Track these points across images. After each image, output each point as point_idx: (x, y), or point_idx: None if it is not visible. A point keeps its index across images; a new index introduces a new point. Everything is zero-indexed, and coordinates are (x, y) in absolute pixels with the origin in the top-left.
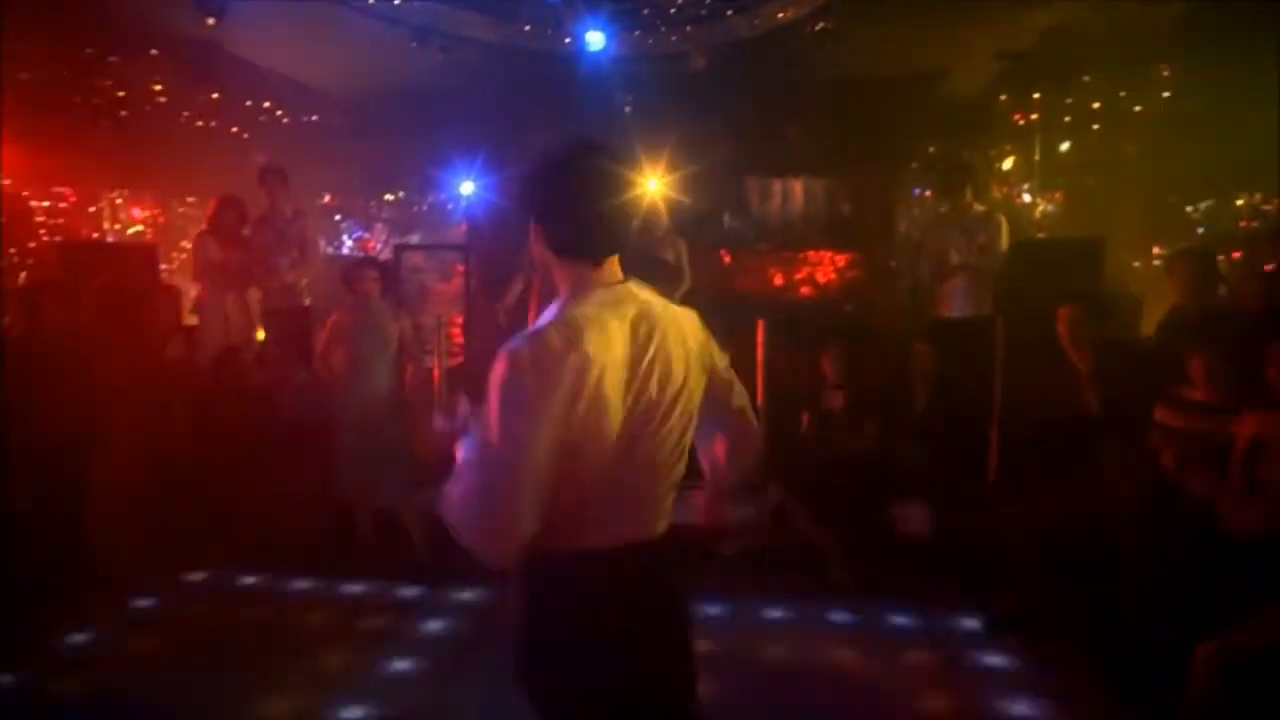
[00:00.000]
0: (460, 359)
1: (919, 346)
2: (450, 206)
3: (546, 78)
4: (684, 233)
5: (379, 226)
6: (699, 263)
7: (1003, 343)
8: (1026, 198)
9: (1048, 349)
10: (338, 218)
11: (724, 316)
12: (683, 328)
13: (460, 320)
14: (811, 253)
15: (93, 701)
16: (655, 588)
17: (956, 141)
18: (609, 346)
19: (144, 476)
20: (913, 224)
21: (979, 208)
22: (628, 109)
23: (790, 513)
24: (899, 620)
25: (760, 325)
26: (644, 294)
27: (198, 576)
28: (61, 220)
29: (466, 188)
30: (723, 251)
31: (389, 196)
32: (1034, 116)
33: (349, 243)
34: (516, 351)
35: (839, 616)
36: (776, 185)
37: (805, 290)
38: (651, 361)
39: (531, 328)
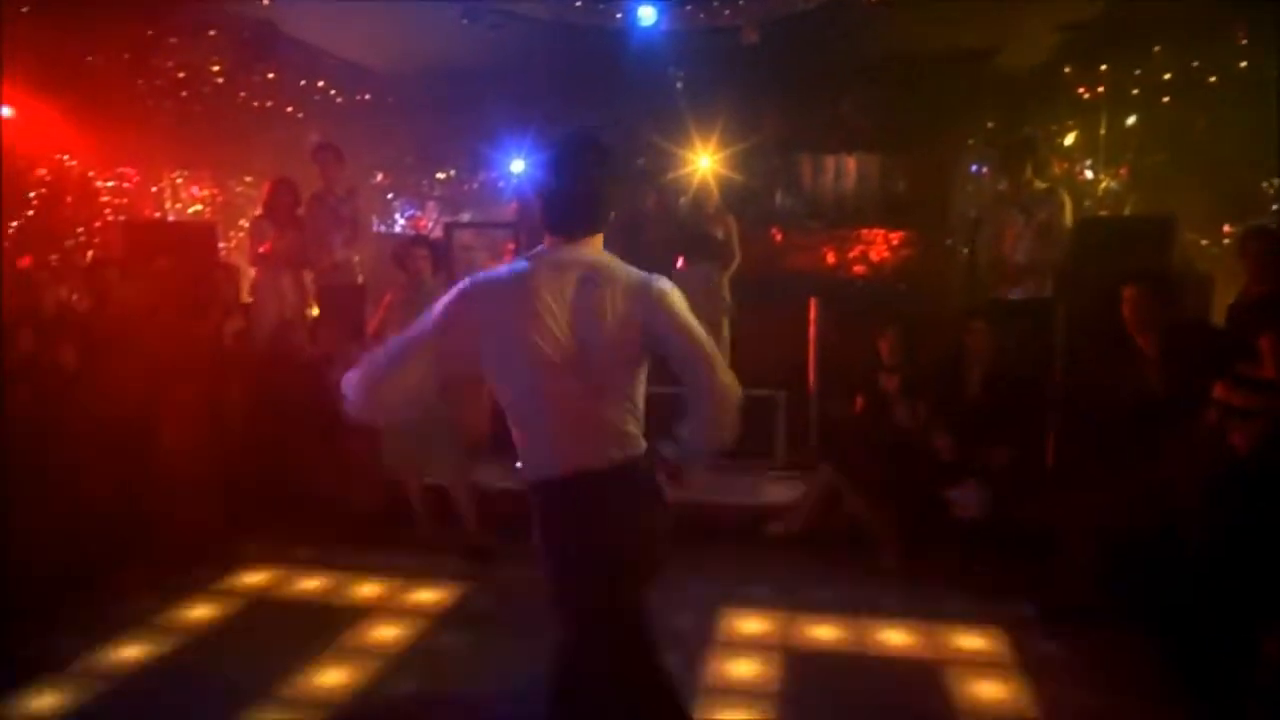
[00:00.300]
0: None
1: (976, 327)
2: (501, 184)
3: (597, 54)
4: (734, 210)
5: (430, 205)
6: (749, 241)
7: (1064, 324)
8: (1089, 174)
9: (1111, 331)
10: (390, 196)
11: (775, 295)
12: (636, 292)
13: None
14: (865, 231)
15: (156, 669)
16: (604, 508)
17: (1016, 116)
18: (539, 293)
19: (203, 448)
20: (970, 201)
21: (1040, 184)
22: (679, 84)
23: (842, 494)
24: (951, 605)
25: (813, 304)
26: (597, 260)
27: (254, 547)
28: (125, 200)
29: (517, 165)
30: (774, 229)
31: (440, 175)
32: (1100, 89)
33: (401, 221)
34: (462, 284)
35: (889, 600)
36: (829, 162)
37: (858, 269)
38: (587, 310)
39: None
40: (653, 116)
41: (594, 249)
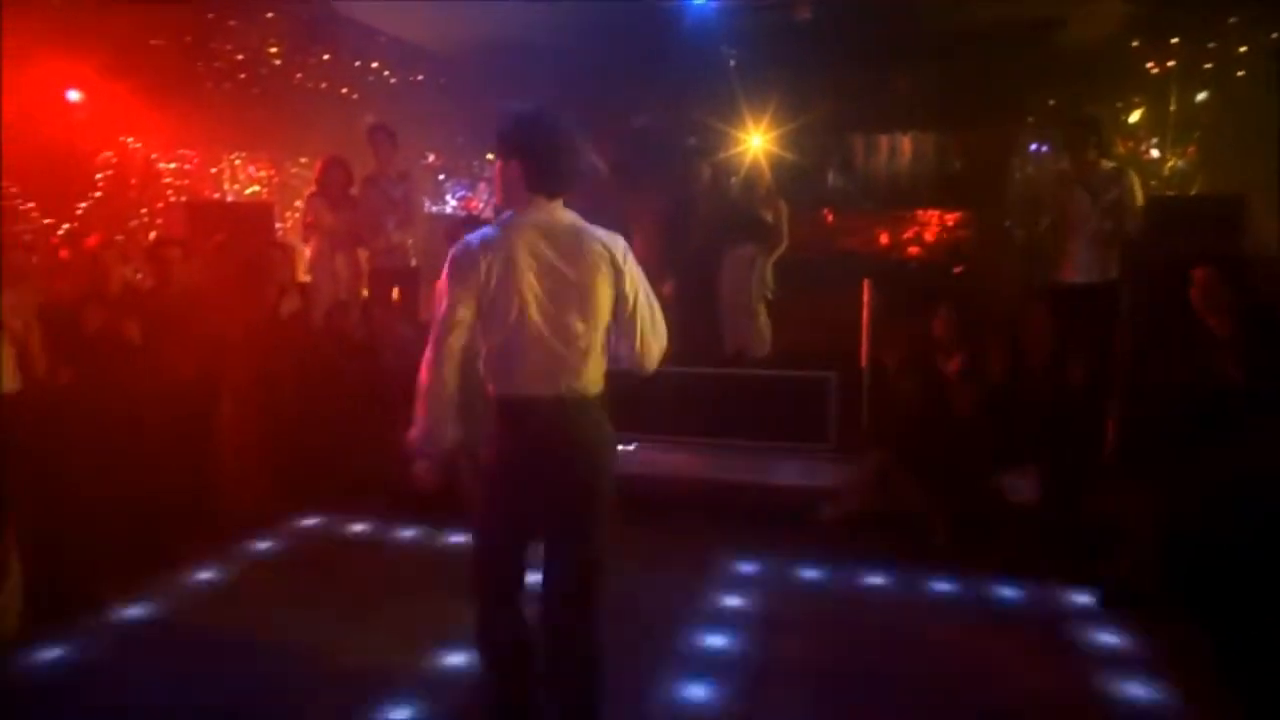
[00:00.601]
0: None
1: (1036, 311)
2: None
3: (650, 32)
4: (785, 190)
5: (482, 186)
6: (801, 221)
7: (1129, 308)
8: (1154, 153)
9: (1180, 315)
10: (441, 177)
11: (827, 276)
12: (604, 250)
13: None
14: (919, 211)
15: (214, 637)
16: (554, 428)
17: (1080, 93)
18: (520, 251)
19: (259, 422)
20: (1028, 182)
21: (1107, 164)
22: (732, 62)
23: (893, 477)
24: (1005, 592)
25: (866, 285)
26: (571, 221)
27: (310, 520)
28: (186, 181)
29: None
30: (826, 210)
31: (490, 155)
32: (1170, 64)
33: (453, 202)
34: (456, 247)
35: (941, 586)
36: (883, 141)
37: (913, 250)
38: (568, 264)
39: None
40: (704, 95)
41: (567, 210)
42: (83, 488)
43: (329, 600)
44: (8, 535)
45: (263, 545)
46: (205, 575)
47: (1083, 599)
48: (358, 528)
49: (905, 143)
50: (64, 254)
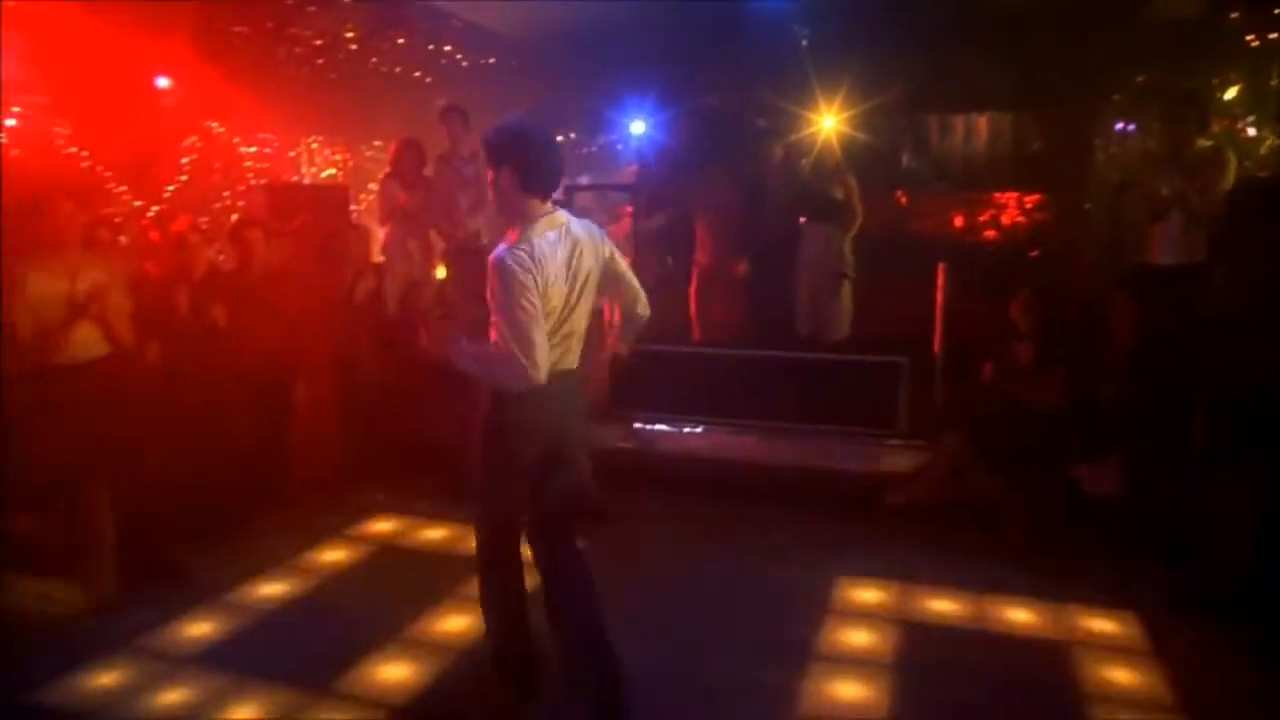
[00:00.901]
0: None
1: (1119, 295)
2: (620, 147)
3: (721, 12)
4: (857, 172)
5: None
6: (873, 203)
7: (1220, 293)
8: (1251, 130)
9: (1272, 301)
10: None
11: (899, 259)
12: (592, 239)
13: (628, 261)
14: (997, 194)
15: (290, 606)
16: (571, 391)
17: (1169, 68)
18: (554, 258)
19: (335, 401)
20: (1113, 163)
21: (1203, 143)
22: (804, 42)
23: (967, 466)
24: (1079, 586)
25: (940, 269)
26: (566, 217)
27: (382, 496)
28: (266, 165)
29: (638, 128)
30: (899, 192)
31: (559, 138)
32: (1272, 35)
33: None
34: (503, 259)
35: (1013, 578)
36: (959, 122)
37: (989, 233)
38: (575, 260)
39: (506, 244)
40: (776, 76)
41: (558, 207)
42: (167, 460)
43: (399, 575)
44: (100, 503)
45: (335, 519)
46: (278, 548)
47: (1160, 594)
48: (428, 505)
49: (981, 123)
50: (153, 236)
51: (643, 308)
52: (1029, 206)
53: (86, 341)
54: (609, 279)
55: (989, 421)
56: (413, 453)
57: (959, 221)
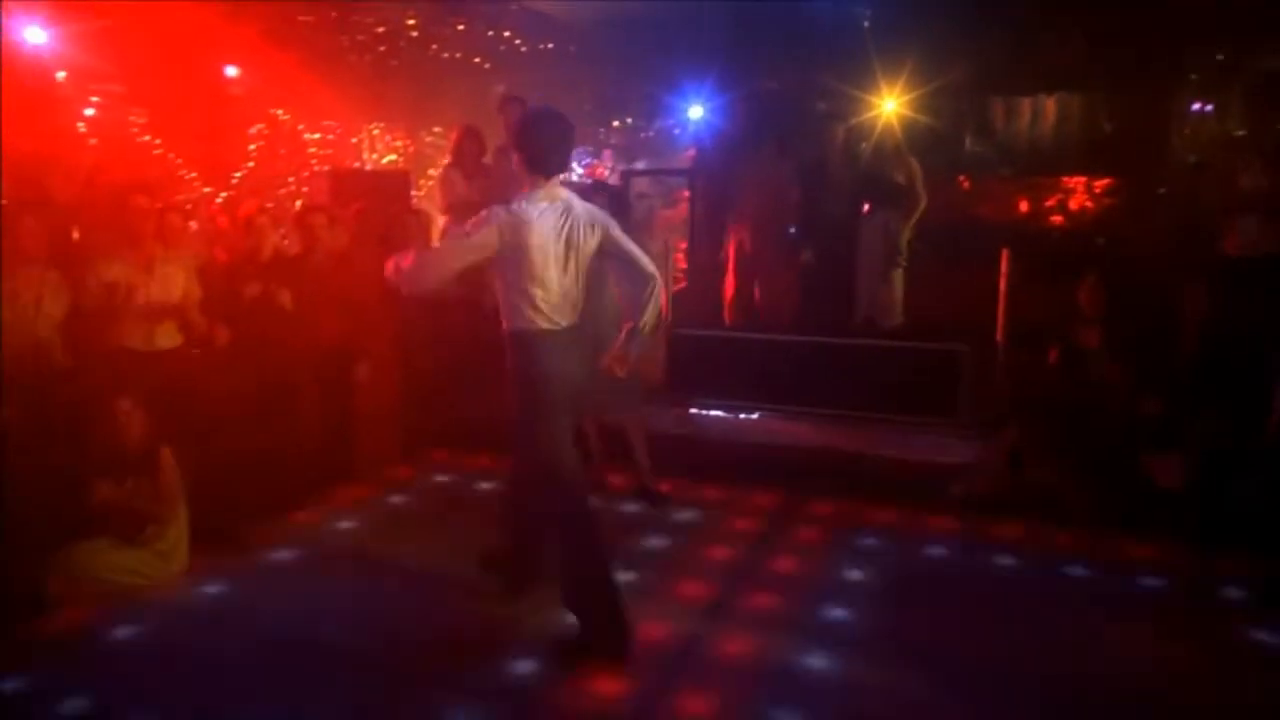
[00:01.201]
0: (684, 284)
1: (1193, 284)
2: (677, 132)
3: None
4: (920, 156)
5: (607, 153)
6: (935, 188)
7: None
8: None
9: None
10: None
11: (961, 245)
12: (590, 216)
13: (684, 246)
14: (1064, 178)
15: (348, 574)
16: (567, 350)
17: (1251, 46)
18: (543, 222)
19: (396, 382)
20: (1188, 145)
21: None
22: (865, 24)
23: (1028, 456)
24: (1148, 582)
25: (1004, 254)
26: (566, 195)
27: (441, 476)
28: (329, 151)
29: (695, 112)
30: (961, 177)
31: (616, 123)
32: None
33: (578, 170)
34: (490, 209)
35: (1077, 571)
36: (1025, 104)
37: (1055, 219)
38: (566, 232)
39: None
40: (837, 58)
41: (560, 186)
42: (236, 438)
43: (451, 540)
44: (175, 479)
45: (396, 498)
46: (342, 522)
47: (1234, 592)
48: (485, 484)
49: (1049, 105)
50: (222, 221)
51: (653, 285)
52: (1098, 191)
53: (162, 331)
54: (612, 255)
55: (1053, 411)
56: (472, 427)
57: (1024, 206)
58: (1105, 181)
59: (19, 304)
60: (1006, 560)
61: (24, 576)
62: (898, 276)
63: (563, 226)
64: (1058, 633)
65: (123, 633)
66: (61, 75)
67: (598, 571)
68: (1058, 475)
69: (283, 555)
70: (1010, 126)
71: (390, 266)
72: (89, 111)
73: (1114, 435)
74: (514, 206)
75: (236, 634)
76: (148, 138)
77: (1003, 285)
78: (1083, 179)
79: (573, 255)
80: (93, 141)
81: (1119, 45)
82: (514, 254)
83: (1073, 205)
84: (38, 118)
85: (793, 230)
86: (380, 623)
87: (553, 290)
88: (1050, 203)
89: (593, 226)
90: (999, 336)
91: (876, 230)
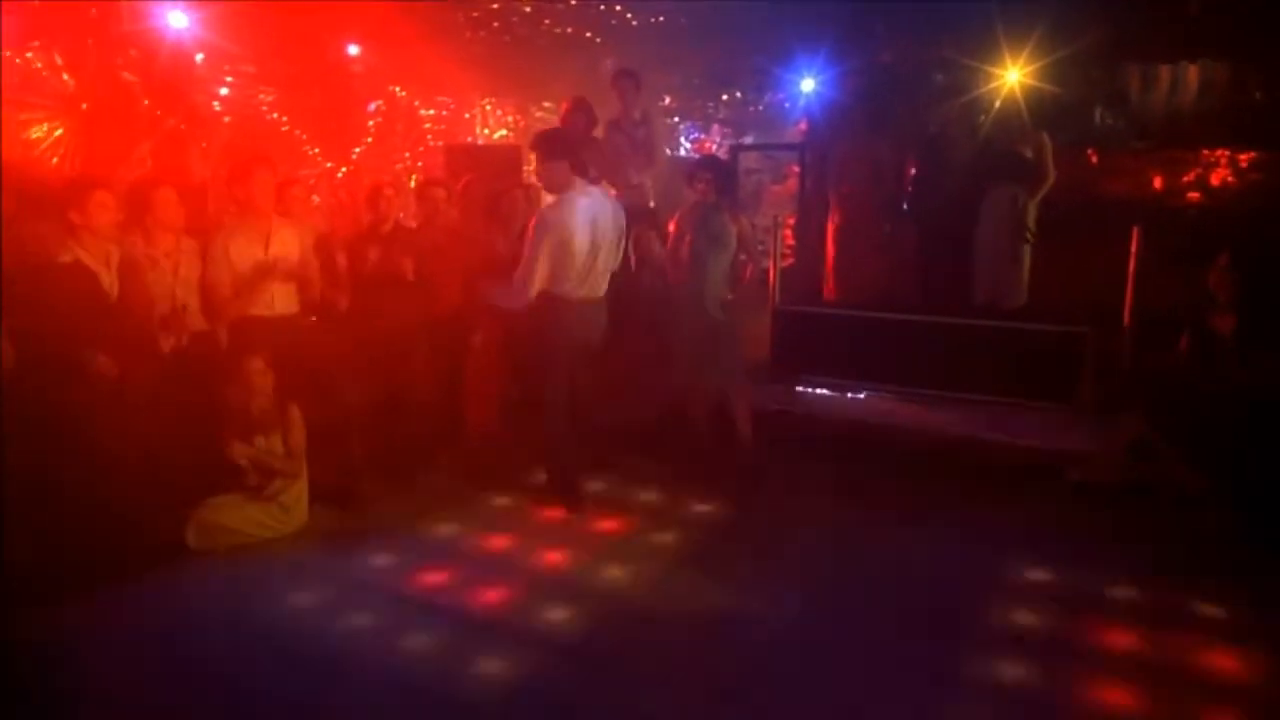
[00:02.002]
0: (792, 260)
1: None
2: (788, 105)
3: None
4: (1046, 128)
5: (715, 128)
6: (1062, 163)
7: None
8: None
9: None
10: (675, 120)
11: (1088, 222)
12: (615, 210)
13: (792, 221)
14: (1205, 151)
15: (456, 543)
16: (595, 315)
17: None
18: (576, 216)
19: (504, 351)
20: None
21: None
22: None
23: (1152, 448)
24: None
25: (1135, 233)
26: (596, 191)
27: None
28: (443, 126)
29: (807, 85)
30: (1089, 150)
31: (725, 97)
32: None
33: (686, 145)
34: (542, 214)
35: (1205, 573)
36: (1164, 72)
37: (1192, 195)
38: (594, 220)
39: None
40: (955, 28)
41: (592, 185)
42: (354, 403)
43: (560, 524)
44: (302, 438)
45: (500, 465)
46: (453, 484)
47: None
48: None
49: (1192, 72)
50: (342, 195)
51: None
52: (1243, 165)
53: (281, 297)
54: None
55: (1180, 399)
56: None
57: (1158, 182)
58: (1251, 155)
59: (158, 269)
60: (1126, 556)
61: (167, 526)
62: (1026, 255)
63: (591, 218)
64: (1177, 637)
65: (251, 581)
66: (200, 57)
67: (563, 447)
68: (1184, 469)
69: (396, 515)
70: (1146, 96)
71: (490, 296)
72: (223, 91)
73: (1248, 429)
74: (559, 208)
75: (351, 587)
76: (275, 115)
77: (1132, 266)
78: (1225, 152)
79: (599, 241)
80: (226, 119)
81: (1273, 6)
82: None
83: (1214, 180)
84: (179, 98)
85: (905, 207)
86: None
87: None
88: (1188, 178)
89: (616, 219)
90: (1126, 320)
91: (1001, 207)
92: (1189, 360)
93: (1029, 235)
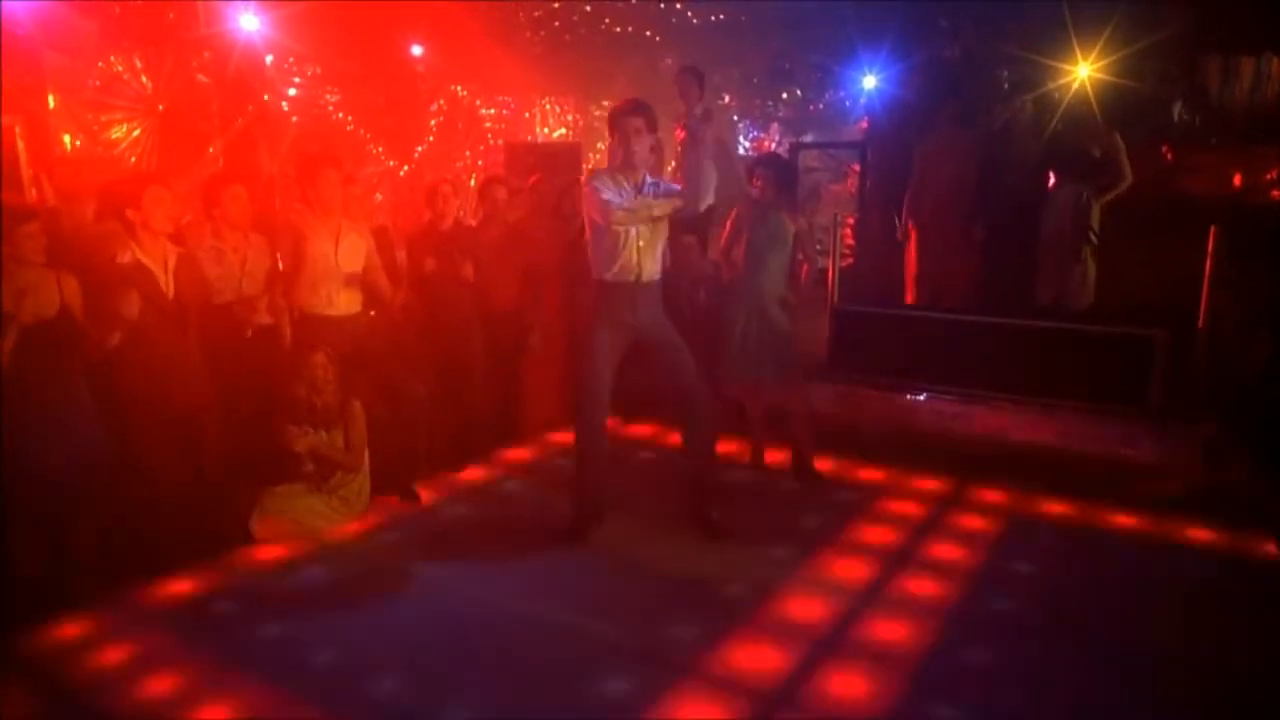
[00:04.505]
0: (852, 260)
1: None
2: (847, 104)
3: None
4: (1119, 124)
5: (774, 126)
6: (1135, 160)
7: None
8: None
9: None
10: (734, 118)
11: (1162, 221)
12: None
13: (852, 221)
14: None
15: (515, 527)
16: (638, 296)
17: None
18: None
19: (563, 344)
20: None
21: None
22: None
23: (1228, 454)
24: None
25: (1212, 232)
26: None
27: None
28: (502, 125)
29: (868, 82)
30: (1164, 146)
31: (785, 95)
32: None
33: (745, 143)
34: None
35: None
36: (1246, 65)
37: (1275, 193)
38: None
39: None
40: (1024, 20)
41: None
42: (413, 399)
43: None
44: (363, 432)
45: (559, 461)
46: (508, 482)
47: None
48: (646, 453)
49: (1276, 65)
50: (406, 193)
51: None
52: None
53: (346, 295)
54: None
55: (1259, 404)
56: (630, 401)
57: (1237, 179)
58: None
59: (227, 263)
60: (1192, 566)
61: (234, 514)
62: (1089, 255)
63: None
64: (1251, 641)
65: (311, 571)
66: (269, 59)
67: (594, 456)
68: (1261, 477)
69: (455, 510)
70: (1226, 90)
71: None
72: (291, 91)
73: None
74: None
75: (409, 581)
76: (340, 115)
77: (1209, 267)
78: None
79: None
80: (294, 119)
81: None
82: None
83: None
84: (249, 98)
85: (976, 204)
86: (536, 579)
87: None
88: (1271, 175)
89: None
90: (1201, 323)
91: (1065, 206)
92: (1269, 363)
93: (1092, 235)
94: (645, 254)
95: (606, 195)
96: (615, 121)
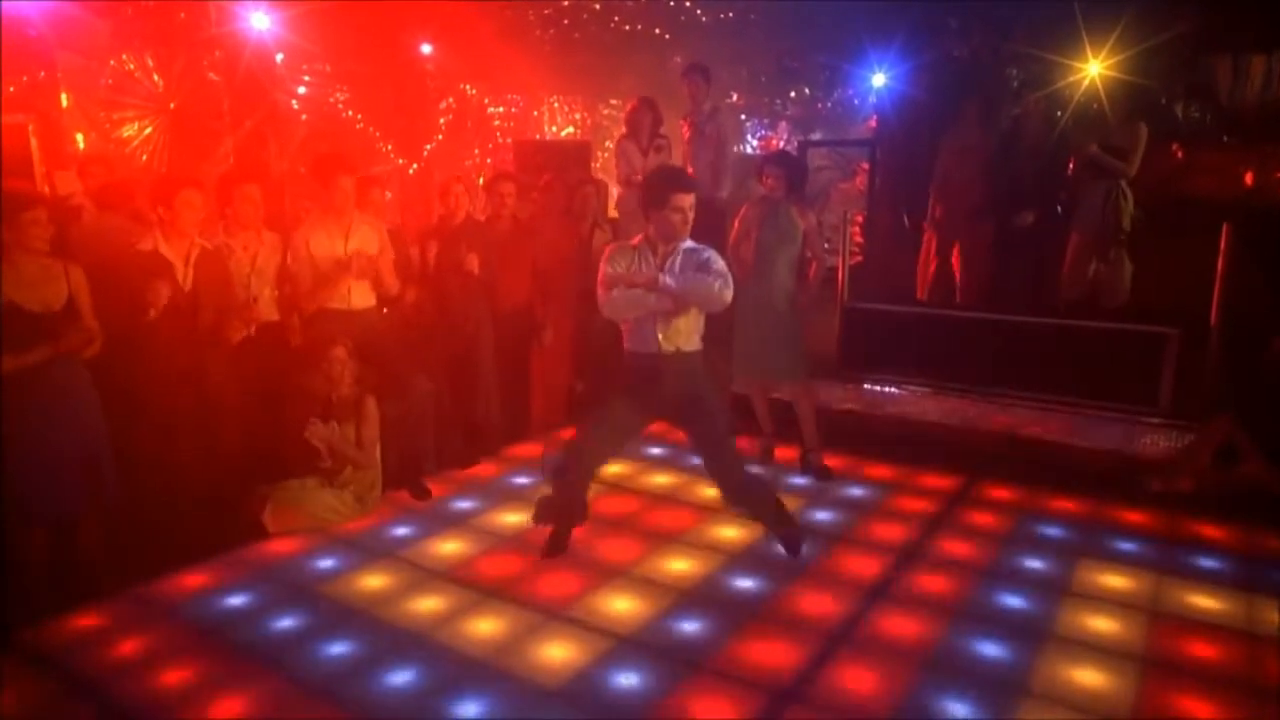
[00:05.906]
0: (861, 258)
1: None
2: (856, 102)
3: None
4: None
5: (782, 125)
6: (1146, 158)
7: None
8: None
9: None
10: (743, 116)
11: (1173, 219)
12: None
13: (861, 219)
14: None
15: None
16: (657, 369)
17: None
18: None
19: (572, 344)
20: None
21: None
22: None
23: (1239, 453)
24: None
25: (1225, 231)
26: None
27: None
28: (512, 123)
29: (877, 80)
30: (1174, 145)
31: (793, 94)
32: None
33: (753, 142)
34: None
35: None
36: (1257, 63)
37: None
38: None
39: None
40: (1033, 18)
41: None
42: (422, 394)
43: (628, 517)
44: (376, 427)
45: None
46: (517, 478)
47: None
48: (654, 449)
49: None
50: (414, 191)
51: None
52: None
53: (358, 291)
54: None
55: (1271, 402)
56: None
57: (1249, 178)
58: None
59: (236, 260)
60: (1210, 563)
61: (248, 508)
62: (1122, 251)
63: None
64: (1254, 650)
65: (324, 564)
66: (280, 58)
67: (579, 470)
68: (1272, 475)
69: (463, 505)
70: (1237, 88)
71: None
72: (301, 89)
73: None
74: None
75: (420, 574)
76: (350, 113)
77: (1220, 265)
78: None
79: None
80: (304, 117)
81: None
82: None
83: None
84: (260, 97)
85: (988, 202)
86: (546, 575)
87: None
88: None
89: None
90: (1213, 321)
91: (1096, 202)
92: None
93: (1124, 231)
94: (667, 324)
95: (611, 270)
96: (658, 194)
